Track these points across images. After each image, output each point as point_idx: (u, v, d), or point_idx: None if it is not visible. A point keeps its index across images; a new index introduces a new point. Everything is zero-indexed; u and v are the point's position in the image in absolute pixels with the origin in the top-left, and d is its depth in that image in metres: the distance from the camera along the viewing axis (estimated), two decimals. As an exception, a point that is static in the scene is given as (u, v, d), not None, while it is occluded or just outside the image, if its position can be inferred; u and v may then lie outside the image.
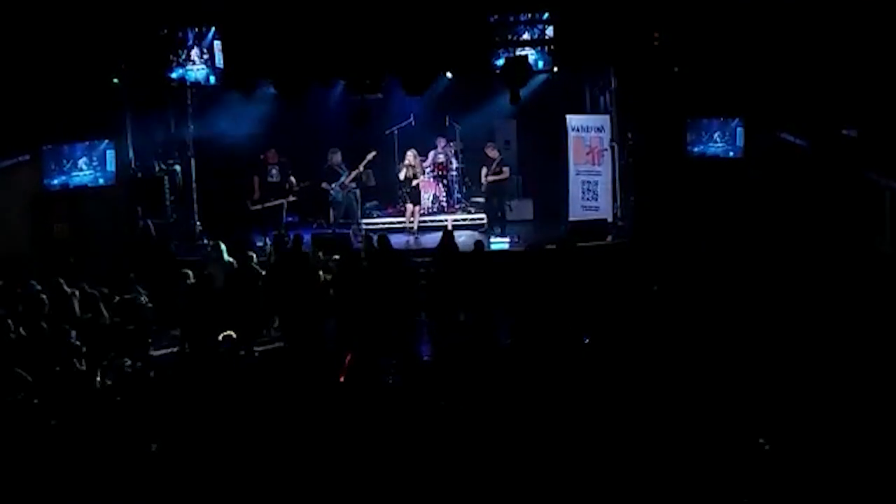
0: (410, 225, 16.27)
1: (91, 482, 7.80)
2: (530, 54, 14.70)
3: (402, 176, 16.19)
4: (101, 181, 14.45)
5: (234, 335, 10.28)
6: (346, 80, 15.04)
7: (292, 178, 15.98)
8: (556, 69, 15.14)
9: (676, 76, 14.62)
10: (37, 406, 8.93)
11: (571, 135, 16.23)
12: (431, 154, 16.97)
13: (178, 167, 15.92)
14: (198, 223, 16.02)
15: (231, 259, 12.77)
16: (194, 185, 16.14)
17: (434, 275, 13.10)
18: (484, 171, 16.10)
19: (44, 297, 11.61)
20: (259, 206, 15.87)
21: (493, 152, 16.16)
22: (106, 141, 14.50)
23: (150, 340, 12.18)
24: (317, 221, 16.72)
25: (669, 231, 14.25)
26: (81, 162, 14.23)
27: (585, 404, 8.58)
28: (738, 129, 15.09)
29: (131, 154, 15.17)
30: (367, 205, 17.07)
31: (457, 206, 17.19)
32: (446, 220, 16.30)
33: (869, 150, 12.62)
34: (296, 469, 7.91)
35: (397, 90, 15.16)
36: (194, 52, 14.75)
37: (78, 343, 10.74)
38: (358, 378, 9.72)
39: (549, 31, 14.74)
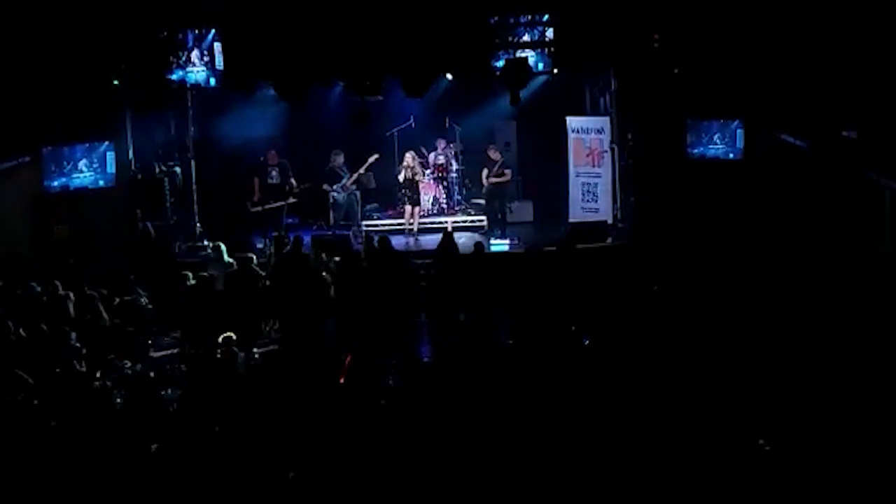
0: (410, 226, 16.27)
1: (91, 482, 7.81)
2: (530, 56, 14.72)
3: (400, 178, 16.20)
4: (101, 183, 14.45)
5: (234, 336, 10.29)
6: (346, 81, 15.05)
7: (292, 180, 15.97)
8: (556, 71, 15.16)
9: (676, 77, 14.62)
10: (37, 407, 8.92)
11: (571, 136, 16.22)
12: (431, 155, 16.98)
13: (178, 169, 15.91)
14: (198, 225, 16.01)
15: (231, 260, 12.78)
16: (194, 186, 16.12)
17: (434, 276, 13.11)
18: (485, 172, 16.09)
19: (44, 298, 11.64)
20: (259, 208, 15.87)
21: (495, 154, 16.16)
22: (106, 142, 14.50)
23: (150, 342, 12.20)
24: (317, 223, 16.71)
25: (669, 233, 14.24)
26: (82, 163, 14.22)
27: (585, 405, 8.58)
28: (738, 131, 15.10)
29: (131, 156, 15.16)
30: (368, 207, 17.07)
31: (457, 208, 17.19)
32: (446, 222, 16.30)
33: (869, 150, 12.62)
34: (296, 469, 7.91)
35: (397, 91, 15.17)
36: (194, 54, 14.76)
37: (78, 345, 10.75)
38: (358, 379, 9.72)
39: (549, 33, 14.76)
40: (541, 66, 14.94)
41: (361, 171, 16.15)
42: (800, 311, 10.73)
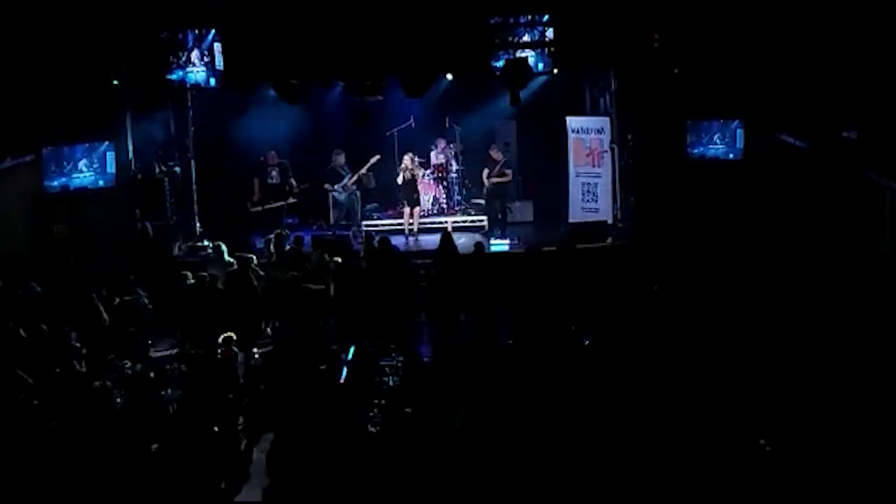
0: (410, 227, 16.27)
1: (91, 482, 7.81)
2: (530, 56, 14.73)
3: (399, 180, 16.20)
4: (101, 183, 14.45)
5: (234, 336, 10.28)
6: (346, 81, 15.05)
7: (292, 180, 15.99)
8: (556, 71, 15.17)
9: (676, 78, 14.63)
10: (37, 407, 8.92)
11: (571, 136, 16.23)
12: (432, 155, 16.98)
13: (178, 169, 15.92)
14: (198, 225, 16.01)
15: (232, 260, 12.78)
16: (194, 186, 16.14)
17: (434, 276, 13.11)
18: (486, 172, 16.09)
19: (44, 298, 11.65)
20: (259, 208, 15.89)
21: (497, 154, 16.15)
22: (106, 142, 14.50)
23: (150, 342, 12.19)
24: (317, 223, 16.72)
25: (669, 233, 14.24)
26: (81, 163, 14.22)
27: (585, 405, 8.58)
28: (738, 131, 15.09)
29: (131, 156, 15.16)
30: (368, 206, 17.07)
31: (457, 208, 17.18)
32: (446, 222, 16.31)
33: (869, 150, 12.61)
34: (296, 469, 7.91)
35: (397, 91, 15.17)
36: (194, 54, 14.78)
37: (78, 345, 10.75)
38: (358, 379, 9.72)
39: (549, 33, 14.76)
40: (541, 66, 14.95)
41: (363, 171, 16.15)
42: (800, 311, 10.73)
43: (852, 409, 8.21)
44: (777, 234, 13.74)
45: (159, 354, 12.11)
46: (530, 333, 10.89)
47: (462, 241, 14.50)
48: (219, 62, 14.69)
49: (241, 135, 16.56)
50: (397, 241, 14.85)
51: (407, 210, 16.26)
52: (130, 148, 15.14)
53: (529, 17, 14.78)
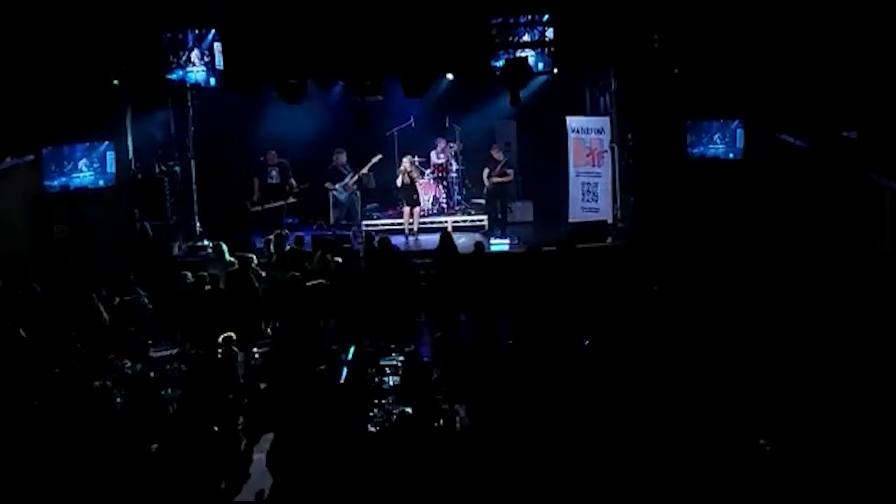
0: (410, 226, 16.27)
1: (91, 482, 7.81)
2: (530, 56, 14.71)
3: (398, 182, 16.20)
4: (101, 182, 14.44)
5: (234, 336, 10.28)
6: (346, 81, 15.05)
7: (292, 180, 15.99)
8: (556, 71, 15.15)
9: (676, 77, 14.62)
10: (37, 407, 8.92)
11: (571, 136, 16.24)
12: (432, 155, 16.98)
13: (178, 169, 15.92)
14: (198, 225, 16.02)
15: (233, 259, 12.78)
16: (194, 186, 16.14)
17: (434, 276, 13.11)
18: (486, 172, 16.10)
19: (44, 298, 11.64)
20: (259, 208, 15.89)
21: (498, 154, 16.16)
22: (106, 142, 14.49)
23: (150, 342, 12.19)
24: (317, 223, 16.72)
25: (669, 233, 14.25)
26: (81, 163, 14.21)
27: (585, 405, 8.58)
28: (738, 131, 15.08)
29: (131, 155, 15.16)
30: (368, 206, 17.07)
31: (457, 208, 17.19)
32: (446, 222, 16.31)
33: (869, 150, 12.61)
34: (296, 469, 7.91)
35: (397, 91, 15.17)
36: (194, 54, 14.75)
37: (78, 345, 10.74)
38: (358, 379, 9.72)
39: (549, 33, 14.74)
40: (541, 66, 14.93)
41: (364, 170, 16.15)
42: (800, 311, 10.73)
43: (852, 408, 8.21)
44: (777, 234, 13.73)
45: (159, 354, 12.09)
46: (530, 333, 10.88)
47: (462, 240, 14.50)
48: (219, 62, 14.68)
49: (241, 135, 16.55)
50: (397, 240, 14.86)
51: (407, 210, 16.26)
52: (130, 148, 15.14)
53: (529, 17, 14.76)
